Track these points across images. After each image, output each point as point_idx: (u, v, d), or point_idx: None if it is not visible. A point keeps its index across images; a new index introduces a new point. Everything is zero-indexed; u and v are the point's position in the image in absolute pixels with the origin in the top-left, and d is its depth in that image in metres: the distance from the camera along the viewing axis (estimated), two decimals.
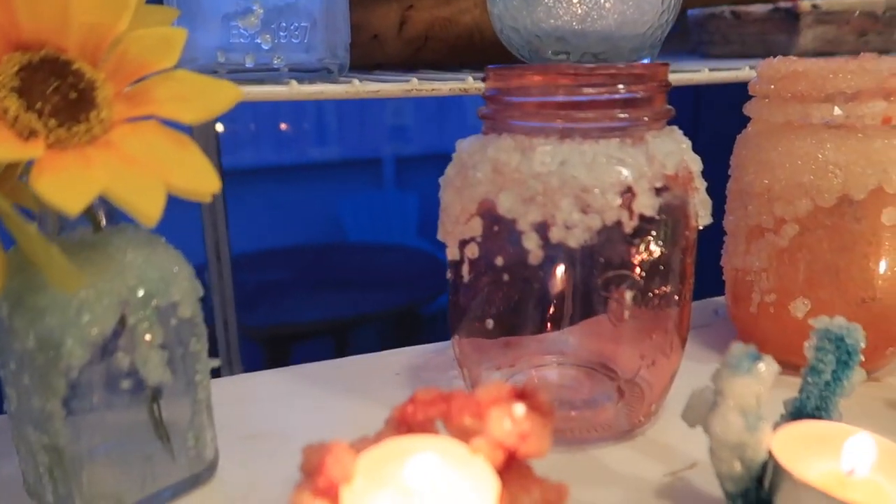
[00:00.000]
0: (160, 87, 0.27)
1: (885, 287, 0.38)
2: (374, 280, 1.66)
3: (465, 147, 0.34)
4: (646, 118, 0.32)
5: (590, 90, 0.31)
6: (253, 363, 1.52)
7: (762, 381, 0.24)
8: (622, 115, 0.31)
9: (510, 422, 0.24)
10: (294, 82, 0.38)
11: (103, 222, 0.29)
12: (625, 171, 0.30)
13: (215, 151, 0.87)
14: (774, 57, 0.45)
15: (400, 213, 2.15)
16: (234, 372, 0.94)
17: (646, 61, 0.49)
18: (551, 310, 0.34)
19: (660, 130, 0.32)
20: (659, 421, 0.36)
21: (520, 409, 0.24)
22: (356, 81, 0.39)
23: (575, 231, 0.30)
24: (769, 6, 0.62)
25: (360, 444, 0.25)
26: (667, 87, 0.33)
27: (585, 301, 0.33)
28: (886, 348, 0.40)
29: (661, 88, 0.33)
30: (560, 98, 0.31)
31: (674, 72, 0.44)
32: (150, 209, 0.23)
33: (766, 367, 0.25)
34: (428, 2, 0.56)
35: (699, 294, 0.54)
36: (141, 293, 0.27)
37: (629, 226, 0.30)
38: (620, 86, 0.31)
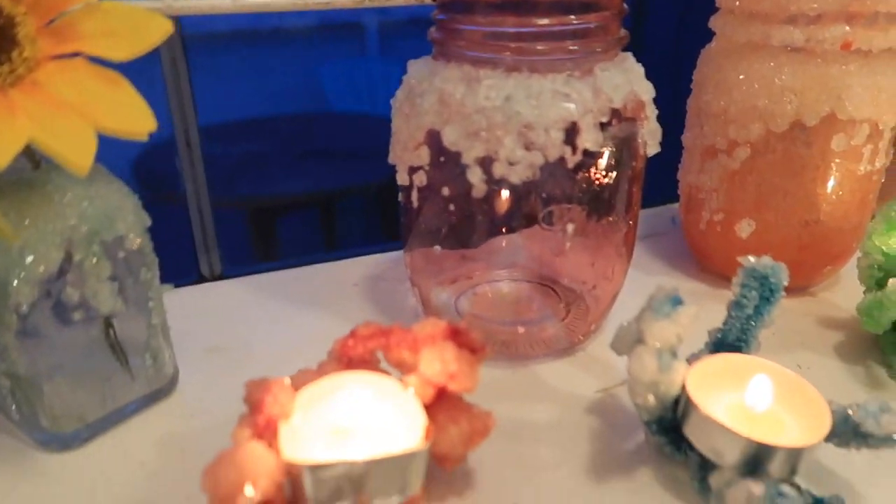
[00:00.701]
0: (87, 20, 0.26)
1: (828, 210, 0.39)
2: (361, 151, 1.63)
3: (414, 72, 0.33)
4: (598, 49, 0.31)
5: (540, 20, 0.30)
6: (236, 237, 1.54)
7: (679, 324, 0.26)
8: (573, 47, 0.30)
9: (440, 362, 0.25)
10: None
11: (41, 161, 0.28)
12: (570, 107, 0.30)
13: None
14: None
15: (385, 81, 2.09)
16: (210, 256, 0.96)
17: None
18: (498, 237, 0.35)
19: (610, 61, 0.32)
20: (599, 338, 0.38)
21: (448, 349, 0.25)
22: None
23: (517, 168, 0.30)
24: None
25: (301, 378, 0.27)
26: (622, 14, 0.32)
27: (531, 228, 0.34)
28: (824, 266, 0.41)
29: (615, 16, 0.32)
30: (509, 29, 0.30)
31: None
32: (80, 159, 0.23)
33: (685, 311, 0.26)
34: None
35: (663, 199, 0.55)
36: (84, 230, 0.27)
37: (572, 161, 0.30)
38: (572, 16, 0.30)
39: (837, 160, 0.37)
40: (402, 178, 0.34)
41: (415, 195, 0.34)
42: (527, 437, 0.31)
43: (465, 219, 0.34)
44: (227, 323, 0.40)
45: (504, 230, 0.35)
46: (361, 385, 0.26)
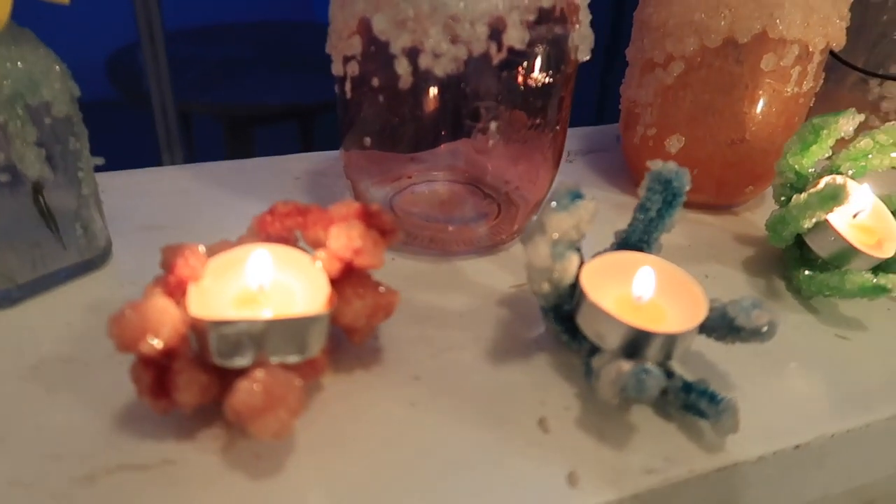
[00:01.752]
0: None
1: (754, 130, 0.40)
2: None
3: None
4: None
5: None
6: (212, 145, 1.52)
7: (577, 217, 0.27)
8: None
9: (346, 238, 0.27)
10: None
11: None
12: (496, 2, 0.30)
13: None
14: None
15: None
16: (174, 156, 0.95)
17: None
18: (429, 132, 0.36)
19: None
20: None
21: (356, 226, 0.27)
22: None
23: (442, 60, 0.31)
24: None
25: (218, 247, 0.28)
26: None
27: (459, 126, 0.35)
28: (747, 186, 0.43)
29: None
30: None
31: None
32: None
33: (585, 205, 0.27)
34: None
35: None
36: (7, 91, 0.28)
37: (498, 58, 0.31)
38: None
39: (766, 80, 0.38)
40: (336, 69, 0.35)
41: (348, 86, 0.35)
42: (438, 322, 0.33)
43: (396, 115, 0.35)
44: (166, 205, 0.41)
45: (439, 130, 0.36)
46: (272, 256, 0.27)
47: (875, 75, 0.48)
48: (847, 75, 0.50)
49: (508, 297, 0.35)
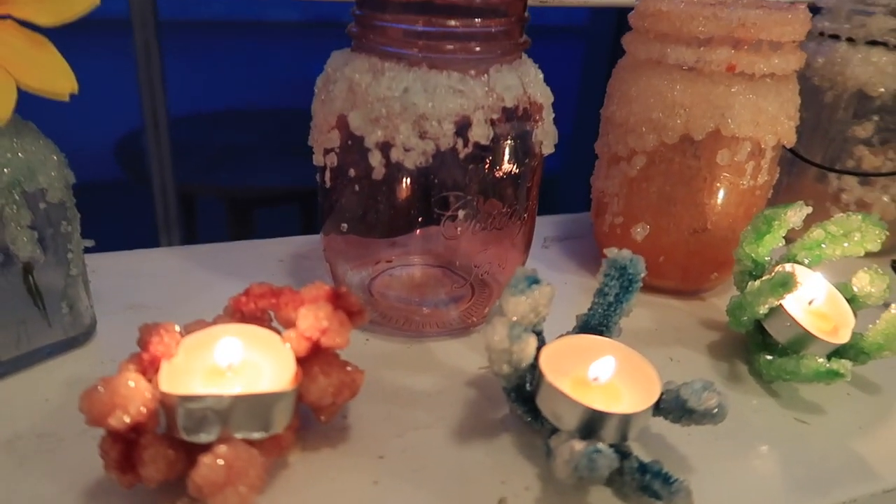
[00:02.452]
0: None
1: (715, 220, 0.42)
2: None
3: (331, 62, 0.36)
4: (499, 51, 0.34)
5: (447, 21, 0.33)
6: (215, 227, 1.56)
7: (535, 301, 0.29)
8: (477, 48, 0.33)
9: (313, 318, 0.28)
10: None
11: None
12: (462, 102, 0.33)
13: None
14: None
15: None
16: (171, 237, 0.98)
17: None
18: (403, 219, 0.38)
19: (510, 63, 0.35)
20: None
21: (323, 307, 0.28)
22: None
23: (412, 154, 0.33)
24: None
25: (194, 327, 0.30)
26: (524, 21, 0.35)
27: (431, 214, 0.37)
28: (711, 273, 0.44)
29: (516, 22, 0.35)
30: (417, 27, 0.33)
31: None
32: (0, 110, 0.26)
33: (541, 289, 0.29)
34: None
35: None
36: (6, 179, 0.30)
37: (464, 152, 0.34)
38: (477, 20, 0.33)
39: (723, 173, 0.41)
40: (317, 160, 0.37)
41: (328, 176, 0.37)
42: (406, 401, 0.34)
43: (371, 203, 0.37)
44: (153, 285, 0.43)
45: (412, 217, 0.38)
46: (243, 335, 0.29)
47: (830, 170, 0.50)
48: (808, 169, 0.52)
49: (476, 379, 0.36)
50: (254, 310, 0.31)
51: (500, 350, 0.29)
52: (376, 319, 0.40)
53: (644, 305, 0.44)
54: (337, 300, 0.30)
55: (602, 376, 0.30)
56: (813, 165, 0.50)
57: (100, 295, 0.40)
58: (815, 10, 0.52)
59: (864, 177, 0.50)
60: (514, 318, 0.29)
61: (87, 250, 0.36)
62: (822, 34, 0.50)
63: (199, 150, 1.43)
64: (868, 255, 0.39)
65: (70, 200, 0.34)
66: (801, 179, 0.53)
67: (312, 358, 0.29)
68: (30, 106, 0.31)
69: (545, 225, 0.55)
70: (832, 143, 0.50)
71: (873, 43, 0.47)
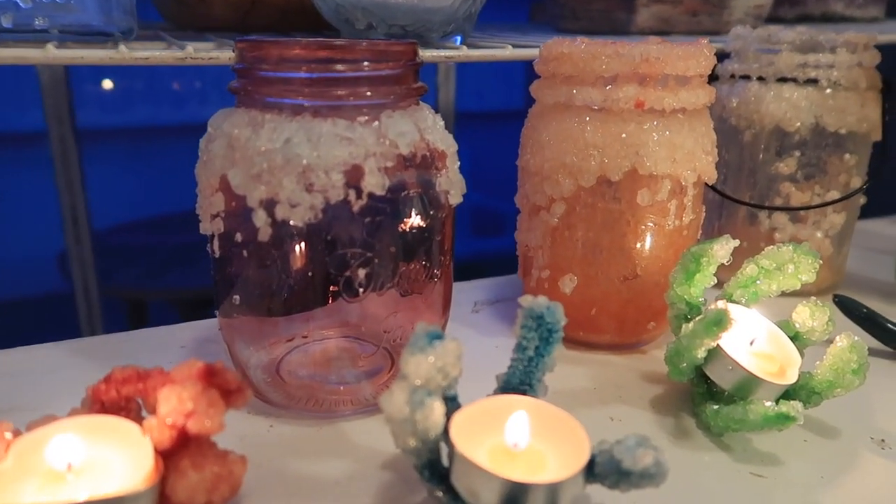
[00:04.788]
0: None
1: (644, 265, 0.40)
2: None
3: (212, 120, 0.33)
4: (391, 97, 0.32)
5: (327, 67, 0.31)
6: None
7: (441, 360, 0.25)
8: (364, 93, 0.31)
9: (176, 400, 0.24)
10: (50, 46, 0.36)
11: None
12: (351, 150, 0.30)
13: (67, 108, 0.83)
14: (612, 35, 0.45)
15: None
16: None
17: (457, 38, 0.49)
18: (302, 288, 0.34)
19: (404, 109, 0.32)
20: None
21: (188, 387, 0.24)
22: (123, 47, 0.37)
23: (299, 209, 0.30)
24: None
25: (37, 424, 0.25)
26: (416, 66, 0.33)
27: (330, 279, 0.33)
28: (648, 322, 0.42)
29: (410, 67, 0.33)
30: (300, 74, 0.31)
31: (439, 48, 0.44)
32: None
33: (446, 345, 0.25)
34: None
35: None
36: None
37: (358, 204, 0.31)
38: (366, 63, 0.31)
39: (646, 215, 0.38)
40: (203, 227, 0.34)
41: (216, 245, 0.34)
42: (312, 493, 0.30)
43: (264, 269, 0.33)
44: (36, 385, 0.38)
45: (312, 286, 0.34)
46: (90, 429, 0.24)
47: (759, 207, 0.49)
48: (739, 210, 0.51)
49: (393, 460, 0.32)
50: (116, 398, 0.26)
51: (401, 420, 0.25)
52: (282, 402, 0.36)
53: (581, 363, 0.41)
54: (210, 378, 0.26)
55: (520, 441, 0.26)
56: (742, 204, 0.49)
57: None
58: (724, 55, 0.52)
59: (794, 213, 0.48)
60: (418, 382, 0.25)
61: None
62: (733, 76, 0.50)
63: (149, 254, 1.40)
64: (810, 293, 0.36)
65: None
66: (733, 222, 0.51)
67: (181, 449, 0.25)
68: None
69: (476, 288, 0.52)
70: (758, 182, 0.49)
71: (783, 80, 0.47)
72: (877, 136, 0.48)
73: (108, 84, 1.49)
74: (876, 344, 0.42)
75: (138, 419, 0.26)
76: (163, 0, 0.59)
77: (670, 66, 0.36)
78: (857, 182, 0.48)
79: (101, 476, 0.23)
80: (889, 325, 0.42)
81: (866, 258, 0.58)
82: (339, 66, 0.31)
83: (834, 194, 0.48)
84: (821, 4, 0.80)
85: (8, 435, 0.23)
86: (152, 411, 0.26)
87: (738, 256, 0.36)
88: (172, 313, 1.48)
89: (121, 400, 0.26)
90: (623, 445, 0.25)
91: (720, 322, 0.31)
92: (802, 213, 0.48)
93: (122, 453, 0.24)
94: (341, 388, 0.36)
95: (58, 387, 0.38)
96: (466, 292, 0.51)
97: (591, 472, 0.26)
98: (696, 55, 0.37)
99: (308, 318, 0.36)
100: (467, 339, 0.44)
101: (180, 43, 0.41)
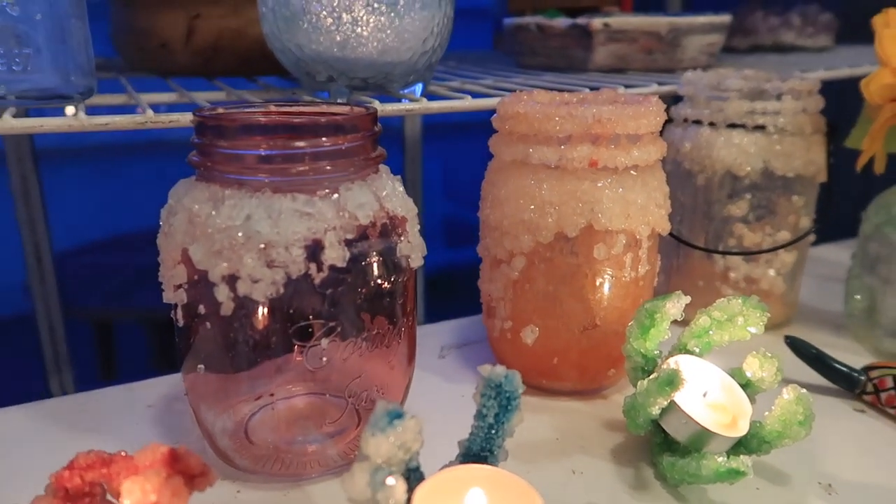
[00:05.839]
0: None
1: (603, 316, 0.41)
2: None
3: (174, 192, 0.34)
4: (351, 168, 0.33)
5: (286, 143, 0.31)
6: (136, 352, 1.47)
7: (402, 438, 0.26)
8: (325, 167, 0.32)
9: (140, 492, 0.24)
10: (7, 115, 0.36)
11: None
12: (311, 225, 0.31)
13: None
14: (570, 71, 0.46)
15: None
16: (61, 374, 0.91)
17: (418, 86, 0.50)
18: (263, 354, 0.34)
19: (363, 179, 0.33)
20: None
21: (151, 477, 0.24)
22: (82, 115, 0.37)
23: (260, 285, 0.30)
24: (569, 22, 0.64)
25: None
26: (375, 136, 0.34)
27: (292, 346, 0.34)
28: (608, 370, 0.43)
29: (368, 137, 0.33)
30: (259, 152, 0.31)
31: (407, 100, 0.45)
32: None
33: (406, 424, 0.26)
34: (216, 11, 0.55)
35: None
36: None
37: (319, 277, 0.31)
38: (325, 139, 0.32)
39: (603, 268, 0.40)
40: (166, 297, 0.34)
41: (180, 313, 0.34)
42: None
43: (227, 340, 0.33)
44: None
45: (276, 352, 0.34)
46: None
47: (712, 251, 0.51)
48: (694, 249, 0.52)
49: None
50: (80, 485, 0.26)
51: (363, 502, 0.25)
52: (249, 467, 0.36)
53: (544, 411, 0.42)
54: (174, 463, 0.26)
55: None
56: (696, 248, 0.50)
57: None
58: (678, 98, 0.53)
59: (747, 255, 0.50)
60: (379, 461, 0.26)
61: None
62: (685, 120, 0.51)
63: (115, 274, 1.38)
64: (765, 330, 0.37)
65: None
66: (690, 260, 0.53)
67: None
68: None
69: (442, 332, 0.53)
70: (712, 223, 0.51)
71: (733, 126, 0.49)
72: (823, 177, 0.50)
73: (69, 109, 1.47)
74: (825, 382, 0.44)
75: (104, 503, 0.26)
76: (123, 44, 0.60)
77: (622, 126, 0.38)
78: (805, 222, 0.50)
79: None
80: (837, 366, 0.43)
81: (819, 287, 0.60)
82: (299, 143, 0.31)
83: (784, 234, 0.50)
84: (772, 35, 0.83)
85: None
86: (116, 496, 0.27)
87: (696, 295, 0.38)
88: (139, 335, 1.46)
89: (85, 486, 0.27)
90: None
91: (672, 383, 0.32)
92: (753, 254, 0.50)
93: None
94: (308, 448, 0.37)
95: (11, 457, 0.38)
96: (433, 336, 0.52)
97: None
98: (647, 114, 0.38)
99: (273, 376, 0.37)
100: (434, 387, 0.45)
101: (138, 97, 0.41)
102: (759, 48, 0.84)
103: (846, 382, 0.43)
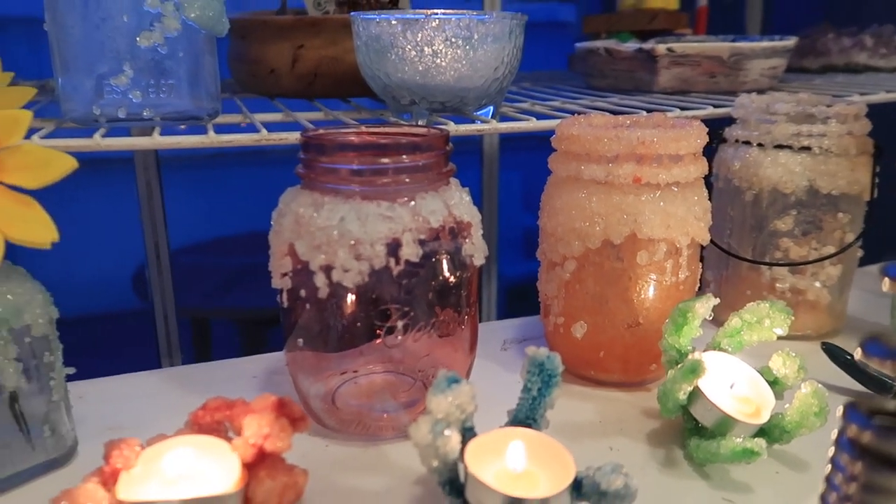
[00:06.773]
0: (10, 158, 0.34)
1: (646, 315, 0.46)
2: None
3: (283, 198, 0.41)
4: (425, 181, 0.40)
5: (374, 160, 0.38)
6: (229, 345, 1.60)
7: (458, 399, 0.32)
8: (404, 180, 0.39)
9: (256, 426, 0.31)
10: (156, 133, 0.45)
11: None
12: (391, 226, 0.38)
13: None
14: (635, 92, 0.51)
15: None
16: (173, 360, 1.02)
17: (490, 108, 0.57)
18: (353, 333, 0.42)
19: (435, 190, 0.40)
20: None
21: (266, 416, 0.32)
22: (212, 133, 0.46)
23: (350, 274, 0.38)
24: (635, 46, 0.69)
25: (156, 440, 0.33)
26: (447, 154, 0.41)
27: (374, 327, 0.41)
28: (650, 364, 0.48)
29: (441, 156, 0.40)
30: (352, 167, 0.38)
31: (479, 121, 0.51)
32: None
33: (461, 388, 0.32)
34: (316, 42, 0.64)
35: None
36: None
37: (397, 269, 0.38)
38: (405, 157, 0.39)
39: (645, 272, 0.45)
40: (275, 283, 0.42)
41: (285, 297, 0.42)
42: (355, 500, 0.37)
43: (322, 318, 0.41)
44: (131, 407, 0.47)
45: (361, 330, 0.42)
46: (195, 445, 0.32)
47: (757, 262, 0.54)
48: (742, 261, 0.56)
49: (424, 478, 0.39)
50: (210, 422, 0.34)
51: (425, 445, 0.32)
52: (336, 427, 0.43)
53: (590, 399, 0.47)
54: (280, 409, 0.33)
55: (517, 465, 0.32)
56: (742, 260, 0.54)
57: (83, 418, 0.44)
58: (731, 120, 0.57)
59: (791, 267, 0.53)
60: (440, 416, 0.32)
61: (71, 378, 0.40)
62: (737, 141, 0.55)
63: (213, 274, 1.50)
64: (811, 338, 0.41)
65: (53, 333, 0.38)
66: (738, 272, 0.57)
67: (259, 462, 0.32)
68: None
69: (506, 328, 0.59)
70: (759, 236, 0.54)
71: (780, 147, 0.52)
72: (868, 196, 0.53)
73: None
74: (860, 387, 0.47)
75: (227, 439, 0.34)
76: (238, 70, 0.69)
77: (663, 147, 0.43)
78: (851, 238, 0.53)
79: (201, 481, 0.31)
80: (869, 371, 0.47)
81: (869, 302, 0.63)
82: (384, 160, 0.38)
83: (830, 248, 0.53)
84: (843, 56, 0.85)
85: (137, 448, 0.31)
86: (238, 433, 0.34)
87: (744, 304, 0.42)
88: (233, 332, 1.58)
89: (213, 423, 0.34)
90: (601, 471, 0.32)
91: (695, 371, 0.37)
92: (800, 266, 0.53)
93: (217, 464, 0.32)
94: (384, 415, 0.44)
95: (152, 409, 0.46)
96: (498, 331, 0.58)
97: (578, 491, 0.32)
98: (688, 136, 0.43)
99: (357, 355, 0.44)
100: (494, 374, 0.51)
101: (252, 117, 0.50)
102: (831, 69, 0.86)
103: (879, 387, 0.46)
